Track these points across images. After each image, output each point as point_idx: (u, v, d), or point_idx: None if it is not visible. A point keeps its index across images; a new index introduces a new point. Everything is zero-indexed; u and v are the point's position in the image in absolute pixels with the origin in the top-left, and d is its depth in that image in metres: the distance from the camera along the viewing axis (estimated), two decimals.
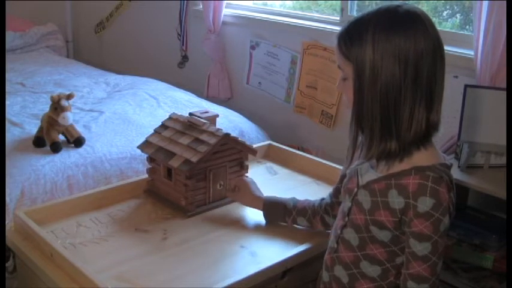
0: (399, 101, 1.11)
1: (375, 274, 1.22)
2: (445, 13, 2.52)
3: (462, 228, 1.90)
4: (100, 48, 4.13)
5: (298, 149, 2.40)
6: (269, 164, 2.06)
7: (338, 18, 2.69)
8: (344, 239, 1.26)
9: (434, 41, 1.12)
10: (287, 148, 2.13)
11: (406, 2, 1.48)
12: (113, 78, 3.20)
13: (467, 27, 2.37)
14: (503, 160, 1.86)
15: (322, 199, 1.51)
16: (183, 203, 1.65)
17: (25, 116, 2.48)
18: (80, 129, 2.24)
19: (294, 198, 1.58)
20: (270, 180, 1.91)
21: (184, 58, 3.39)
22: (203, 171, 1.65)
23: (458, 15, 2.48)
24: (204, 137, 1.64)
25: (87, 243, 1.50)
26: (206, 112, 1.79)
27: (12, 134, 2.24)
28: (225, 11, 3.03)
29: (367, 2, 2.68)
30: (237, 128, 2.49)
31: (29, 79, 3.10)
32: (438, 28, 1.15)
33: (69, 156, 2.07)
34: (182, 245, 1.51)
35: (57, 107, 2.10)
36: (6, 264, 1.76)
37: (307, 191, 1.83)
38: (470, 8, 2.31)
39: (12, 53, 3.66)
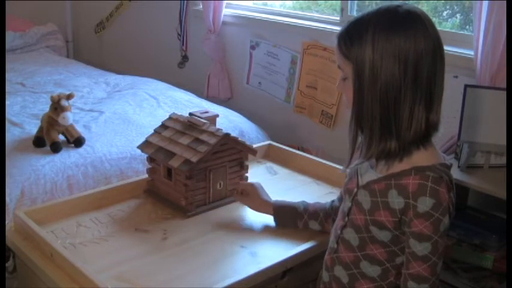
0: (399, 100, 1.11)
1: (375, 274, 1.22)
2: (445, 13, 2.52)
3: (462, 228, 1.90)
4: (100, 48, 4.13)
5: (298, 149, 2.39)
6: (269, 164, 2.06)
7: (338, 18, 2.69)
8: (344, 239, 1.26)
9: (434, 41, 1.12)
10: (287, 148, 2.13)
11: (406, 2, 1.48)
12: (113, 78, 3.19)
13: (467, 27, 2.37)
14: (503, 160, 1.86)
15: (333, 201, 1.50)
16: (183, 203, 1.65)
17: (25, 116, 2.48)
18: (80, 129, 2.24)
19: (303, 201, 1.56)
20: (270, 180, 1.90)
21: (184, 58, 3.39)
22: (203, 171, 1.65)
23: (458, 15, 2.48)
24: (204, 137, 1.64)
25: (87, 243, 1.50)
26: (206, 112, 1.79)
27: (12, 134, 2.24)
28: (225, 11, 3.03)
29: (367, 2, 2.68)
30: (237, 128, 2.49)
31: (29, 79, 3.10)
32: (438, 28, 1.15)
33: (69, 156, 2.07)
34: (182, 245, 1.50)
35: (57, 107, 2.10)
36: (6, 264, 1.76)
37: (307, 191, 1.83)
38: (470, 8, 2.31)
39: (12, 53, 3.66)
